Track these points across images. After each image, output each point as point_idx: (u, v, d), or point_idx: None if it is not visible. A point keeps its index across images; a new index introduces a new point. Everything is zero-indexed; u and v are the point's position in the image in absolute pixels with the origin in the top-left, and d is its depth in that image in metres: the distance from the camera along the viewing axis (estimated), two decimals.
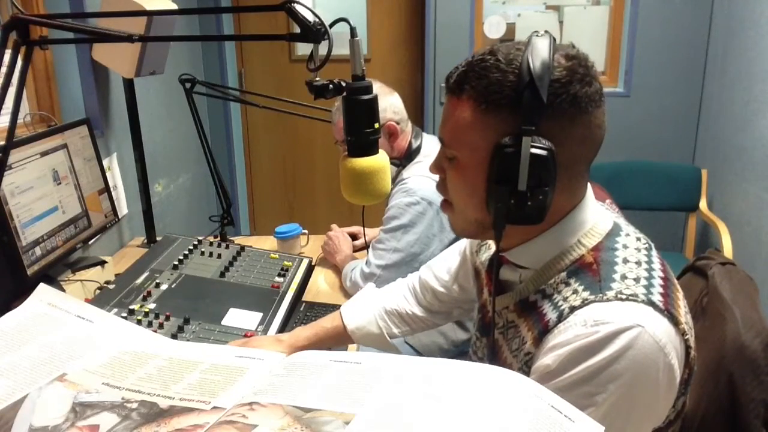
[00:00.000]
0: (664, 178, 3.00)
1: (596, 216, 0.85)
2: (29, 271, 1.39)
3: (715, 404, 0.93)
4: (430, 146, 1.72)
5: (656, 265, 0.81)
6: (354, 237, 1.95)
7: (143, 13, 1.51)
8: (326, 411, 0.60)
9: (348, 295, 1.67)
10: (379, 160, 1.01)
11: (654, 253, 0.84)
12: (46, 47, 1.78)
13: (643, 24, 3.08)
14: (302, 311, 1.51)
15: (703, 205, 2.95)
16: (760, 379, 0.90)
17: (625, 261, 0.80)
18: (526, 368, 0.80)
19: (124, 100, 1.98)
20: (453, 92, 0.81)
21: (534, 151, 0.73)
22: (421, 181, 1.63)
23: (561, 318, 0.76)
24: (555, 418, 0.57)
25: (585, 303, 0.75)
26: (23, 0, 1.72)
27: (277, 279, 1.59)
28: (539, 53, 0.74)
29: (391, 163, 1.67)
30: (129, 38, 0.98)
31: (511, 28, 3.20)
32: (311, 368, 0.70)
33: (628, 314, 0.73)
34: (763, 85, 2.58)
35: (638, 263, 0.80)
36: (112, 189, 1.85)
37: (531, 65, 0.73)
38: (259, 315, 1.40)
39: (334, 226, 1.95)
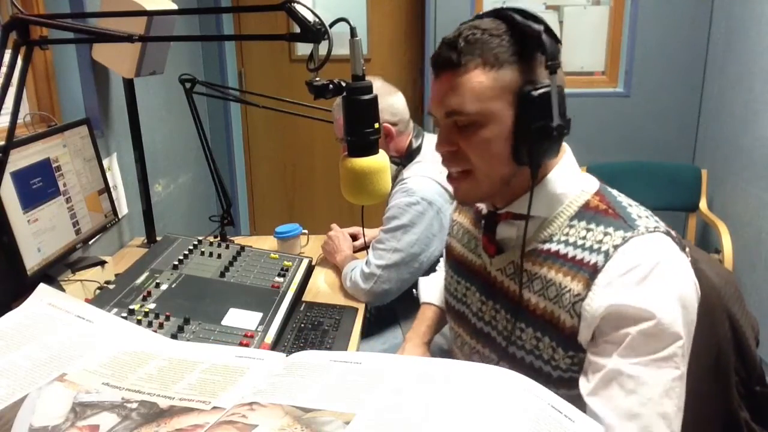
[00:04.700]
0: (664, 178, 3.00)
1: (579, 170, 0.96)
2: (29, 271, 1.39)
3: (725, 340, 1.00)
4: (431, 146, 1.72)
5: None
6: (354, 237, 1.95)
7: (143, 13, 1.51)
8: (326, 411, 0.61)
9: (348, 295, 1.67)
10: (379, 160, 1.01)
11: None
12: (46, 47, 1.78)
13: (643, 24, 3.08)
14: (302, 311, 1.51)
15: (703, 205, 2.95)
16: (744, 309, 1.04)
17: (630, 205, 0.90)
18: (573, 311, 0.85)
19: (124, 100, 1.98)
20: (454, 66, 0.87)
21: (560, 83, 0.84)
22: (421, 181, 1.62)
23: (608, 257, 0.83)
24: (555, 417, 0.57)
25: (625, 240, 0.84)
26: (23, 0, 1.72)
27: (277, 279, 1.59)
28: (527, 9, 0.86)
29: (392, 162, 1.67)
30: (129, 38, 0.98)
31: None
32: (311, 368, 0.71)
33: (662, 243, 0.84)
34: (763, 85, 2.58)
35: (638, 206, 0.91)
36: (112, 189, 1.85)
37: (536, 16, 0.84)
38: (259, 315, 1.40)
39: (334, 225, 1.95)
